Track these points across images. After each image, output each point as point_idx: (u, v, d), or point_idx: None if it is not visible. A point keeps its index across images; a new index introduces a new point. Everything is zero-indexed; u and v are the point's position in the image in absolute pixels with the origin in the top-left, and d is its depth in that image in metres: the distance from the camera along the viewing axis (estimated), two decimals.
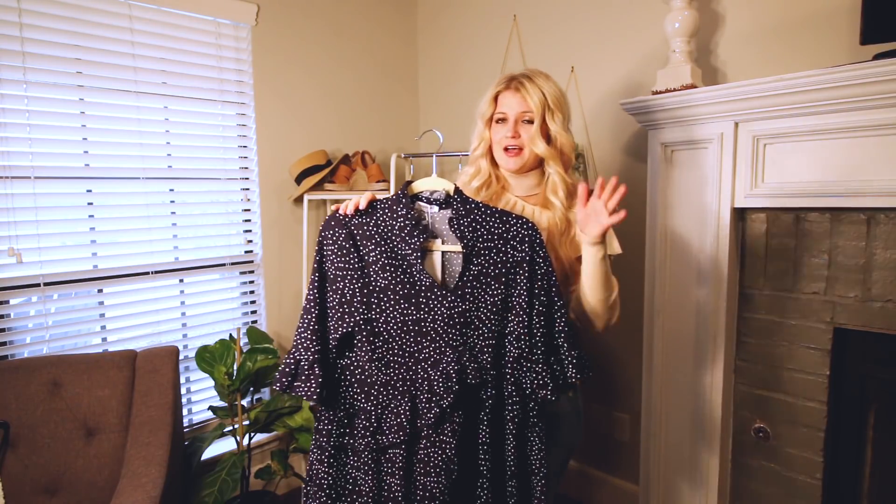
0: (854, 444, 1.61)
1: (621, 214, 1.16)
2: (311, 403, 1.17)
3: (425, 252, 1.17)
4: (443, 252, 1.18)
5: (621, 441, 2.31)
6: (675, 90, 1.73)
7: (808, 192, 1.53)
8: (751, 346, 1.74)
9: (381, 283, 1.14)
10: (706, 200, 1.72)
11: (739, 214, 1.72)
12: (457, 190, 1.19)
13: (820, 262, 1.58)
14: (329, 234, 1.18)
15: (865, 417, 1.59)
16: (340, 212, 1.20)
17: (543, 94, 1.31)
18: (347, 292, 1.15)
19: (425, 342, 1.13)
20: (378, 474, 1.14)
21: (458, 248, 1.16)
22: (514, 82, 1.33)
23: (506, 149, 1.34)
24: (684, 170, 1.78)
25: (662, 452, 1.90)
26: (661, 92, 1.76)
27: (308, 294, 1.18)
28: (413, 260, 1.13)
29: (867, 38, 1.46)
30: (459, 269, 1.15)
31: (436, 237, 1.19)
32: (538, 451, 1.17)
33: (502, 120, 1.35)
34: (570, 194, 1.34)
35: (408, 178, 2.50)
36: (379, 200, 1.21)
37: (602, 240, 1.20)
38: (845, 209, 1.52)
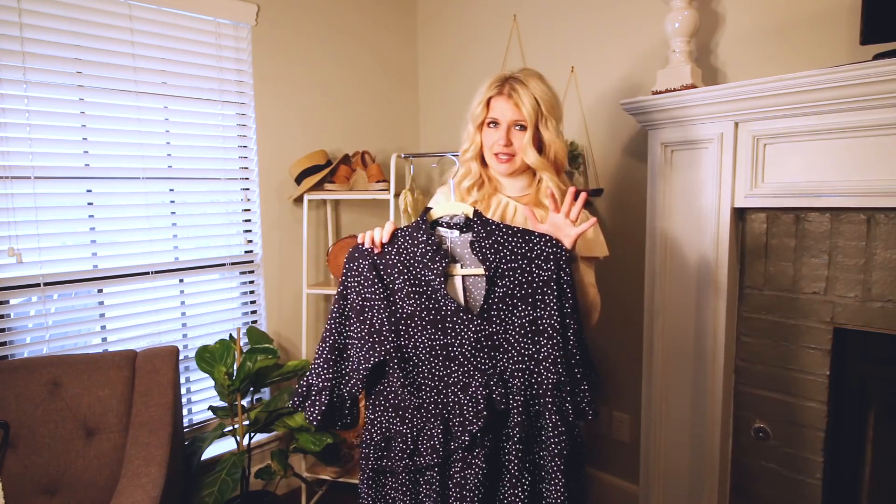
0: (854, 444, 1.61)
1: (589, 222, 1.17)
2: (314, 424, 1.23)
3: (447, 277, 1.17)
4: (465, 277, 1.18)
5: (621, 441, 2.31)
6: (675, 90, 1.73)
7: (808, 192, 1.53)
8: (751, 346, 1.74)
9: (407, 310, 1.16)
10: (706, 200, 1.72)
11: (739, 214, 1.72)
12: (476, 212, 1.18)
13: (820, 262, 1.58)
14: (353, 265, 1.21)
15: (865, 417, 1.59)
16: (366, 245, 1.21)
17: (537, 101, 1.29)
18: (376, 322, 1.17)
19: (454, 366, 1.14)
20: (416, 495, 1.17)
21: (481, 270, 1.16)
22: (506, 87, 1.31)
23: (496, 154, 1.33)
24: (684, 170, 1.78)
25: (662, 452, 1.90)
26: (661, 92, 1.76)
27: (327, 323, 1.22)
28: (437, 285, 1.14)
29: (867, 38, 1.46)
30: (483, 292, 1.15)
31: (456, 262, 1.19)
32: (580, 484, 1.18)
33: (494, 124, 1.33)
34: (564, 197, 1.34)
35: (408, 178, 2.50)
36: (399, 229, 1.22)
37: (573, 250, 1.19)
38: (845, 209, 1.52)
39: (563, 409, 1.11)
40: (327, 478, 2.39)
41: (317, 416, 1.20)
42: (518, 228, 1.17)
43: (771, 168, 1.60)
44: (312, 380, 1.22)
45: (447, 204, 1.21)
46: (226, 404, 2.10)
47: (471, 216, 1.18)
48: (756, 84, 1.52)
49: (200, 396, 2.34)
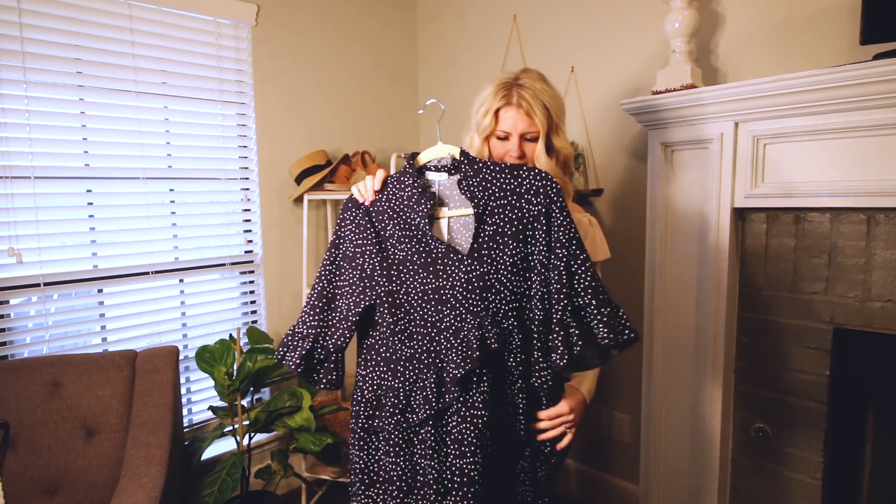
0: (854, 444, 1.61)
1: (566, 439, 1.15)
2: (294, 372, 1.17)
3: (433, 220, 1.16)
4: (452, 218, 1.16)
5: (621, 441, 2.31)
6: (675, 90, 1.73)
7: (808, 192, 1.53)
8: (751, 346, 1.74)
9: (399, 255, 1.13)
10: (706, 200, 1.72)
11: (739, 214, 1.72)
12: (462, 153, 1.16)
13: (820, 262, 1.58)
14: (347, 215, 1.20)
15: (865, 417, 1.59)
16: (359, 198, 1.20)
17: (547, 109, 1.25)
18: (368, 267, 1.15)
19: (446, 310, 1.09)
20: (410, 457, 1.10)
21: (469, 210, 1.14)
22: (514, 95, 1.25)
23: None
24: (684, 170, 1.78)
25: (662, 452, 1.90)
26: (661, 92, 1.76)
27: (318, 272, 1.20)
28: (426, 228, 1.12)
29: (867, 38, 1.46)
30: (470, 234, 1.12)
31: (444, 205, 1.17)
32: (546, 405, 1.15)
33: (504, 137, 1.28)
34: (568, 196, 1.32)
35: None
36: (390, 176, 1.21)
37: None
38: (845, 209, 1.52)
39: (546, 346, 1.09)
40: (327, 478, 2.39)
41: (297, 363, 1.15)
42: (507, 165, 1.14)
43: (771, 168, 1.60)
44: (297, 328, 1.19)
45: (434, 148, 1.19)
46: (226, 404, 2.10)
47: (457, 157, 1.16)
48: (756, 84, 1.52)
49: (200, 396, 2.35)
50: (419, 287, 1.11)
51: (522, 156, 1.28)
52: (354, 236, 1.18)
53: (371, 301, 1.14)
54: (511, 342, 1.09)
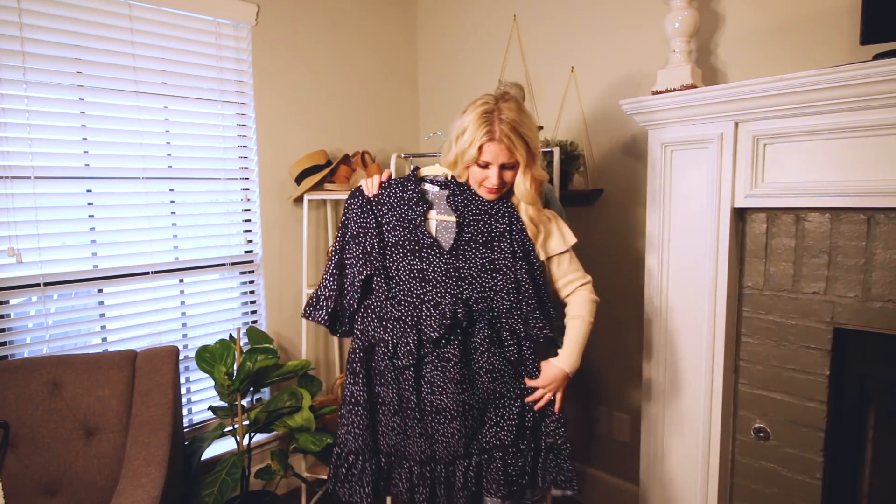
0: (854, 444, 1.61)
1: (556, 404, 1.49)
2: (323, 324, 1.50)
3: (427, 220, 1.47)
4: (439, 220, 1.48)
5: (621, 441, 2.31)
6: (675, 90, 1.73)
7: (808, 192, 1.53)
8: (751, 346, 1.74)
9: (392, 239, 1.46)
10: (706, 200, 1.72)
11: (739, 214, 1.72)
12: (453, 176, 1.48)
13: (820, 262, 1.58)
14: (353, 201, 1.51)
15: (865, 417, 1.59)
16: (367, 191, 1.49)
17: (527, 143, 1.38)
18: (367, 245, 1.47)
19: (428, 287, 1.43)
20: (399, 391, 1.45)
21: (453, 218, 1.46)
22: (497, 131, 1.35)
23: (487, 188, 1.43)
24: (684, 170, 1.78)
25: (662, 452, 1.90)
26: (661, 92, 1.76)
27: (333, 247, 1.52)
28: (418, 223, 1.45)
29: (867, 38, 1.46)
30: (452, 235, 1.45)
31: (434, 209, 1.49)
32: (533, 372, 1.48)
33: (485, 166, 1.40)
34: (538, 220, 1.46)
35: None
36: (393, 179, 1.52)
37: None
38: (845, 209, 1.52)
39: (514, 327, 1.43)
40: (327, 478, 2.39)
41: (324, 318, 1.48)
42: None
43: (771, 168, 1.60)
44: (321, 291, 1.49)
45: (433, 167, 1.51)
46: (226, 404, 2.10)
47: (449, 178, 1.48)
48: (756, 84, 1.52)
49: (200, 396, 2.35)
50: (407, 266, 1.45)
51: (502, 184, 1.42)
52: (359, 219, 1.49)
53: (370, 272, 1.46)
54: (480, 320, 1.43)
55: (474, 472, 1.45)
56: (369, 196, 1.49)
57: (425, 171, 1.51)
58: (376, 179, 1.50)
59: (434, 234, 1.46)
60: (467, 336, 1.43)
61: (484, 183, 1.42)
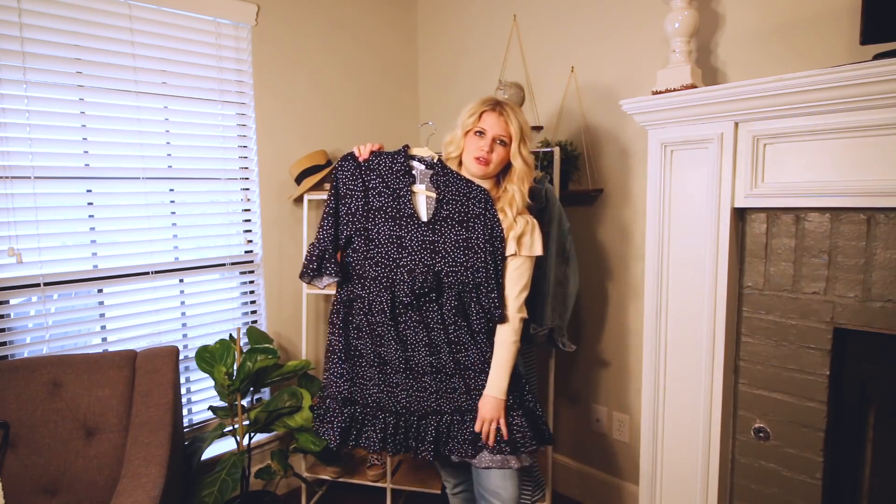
0: (854, 444, 1.61)
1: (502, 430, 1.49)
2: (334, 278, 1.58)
3: (411, 192, 1.56)
4: (420, 194, 1.57)
5: (621, 441, 2.31)
6: (674, 90, 1.73)
7: (808, 192, 1.53)
8: (751, 345, 1.74)
9: (376, 204, 1.56)
10: (706, 200, 1.72)
11: (739, 214, 1.72)
12: (439, 158, 1.59)
13: (820, 262, 1.58)
14: (344, 164, 1.59)
15: (865, 417, 1.59)
16: (357, 155, 1.58)
17: (520, 126, 1.56)
18: (352, 206, 1.56)
19: (404, 253, 1.53)
20: (376, 345, 1.55)
21: (434, 194, 1.55)
22: (498, 107, 1.57)
23: (476, 157, 1.56)
24: (684, 170, 1.77)
25: (662, 452, 1.90)
26: (660, 92, 1.76)
27: (326, 202, 1.58)
28: (402, 192, 1.54)
29: (867, 38, 1.45)
30: (433, 210, 1.54)
31: (417, 184, 1.59)
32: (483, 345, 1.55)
33: (480, 133, 1.57)
34: (521, 213, 1.56)
35: None
36: (385, 151, 1.60)
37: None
38: (845, 209, 1.52)
39: (481, 301, 1.52)
40: (327, 478, 2.39)
41: (317, 264, 1.56)
42: (464, 176, 1.56)
43: (771, 168, 1.60)
44: (318, 242, 1.57)
45: (422, 148, 1.59)
46: (226, 404, 2.10)
47: (436, 159, 1.57)
48: (756, 84, 1.52)
49: (200, 396, 2.35)
50: (387, 231, 1.55)
51: (491, 151, 1.56)
52: (348, 181, 1.57)
53: (353, 231, 1.56)
54: (449, 291, 1.52)
55: (445, 429, 1.53)
56: (360, 158, 1.58)
57: (415, 151, 1.60)
58: (368, 146, 1.59)
59: (415, 206, 1.55)
60: (437, 306, 1.52)
61: (477, 152, 1.55)
